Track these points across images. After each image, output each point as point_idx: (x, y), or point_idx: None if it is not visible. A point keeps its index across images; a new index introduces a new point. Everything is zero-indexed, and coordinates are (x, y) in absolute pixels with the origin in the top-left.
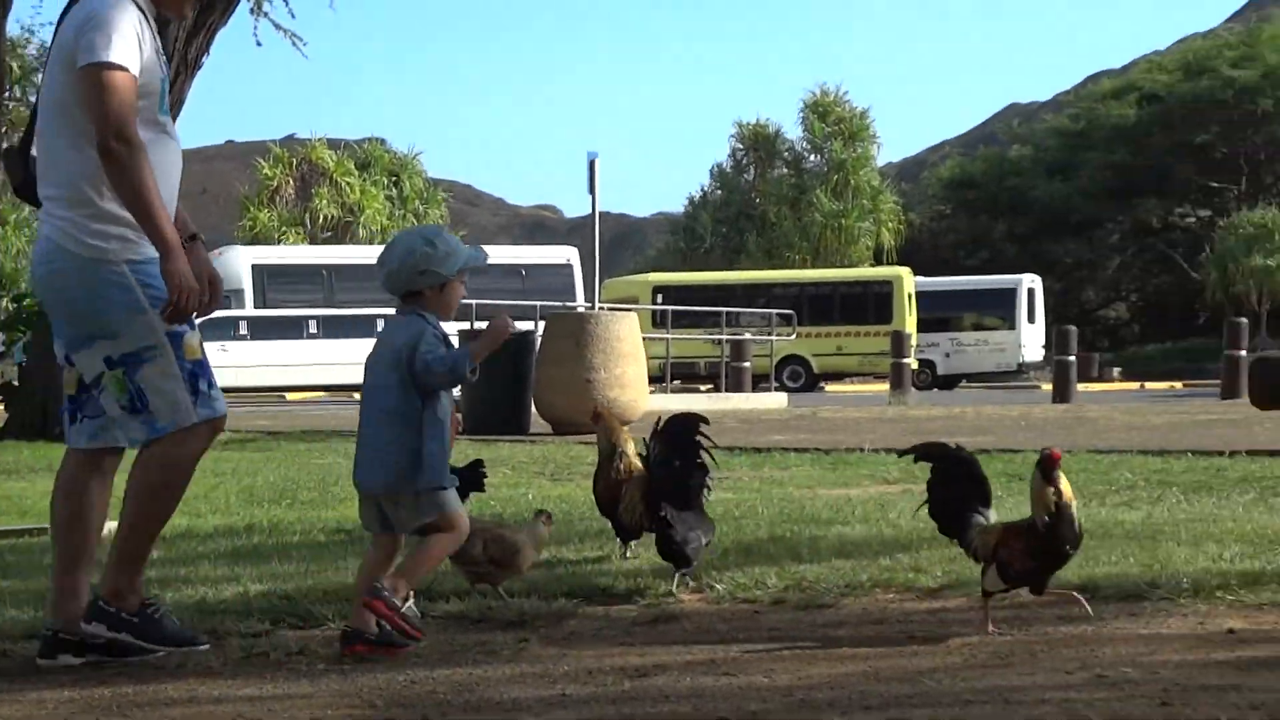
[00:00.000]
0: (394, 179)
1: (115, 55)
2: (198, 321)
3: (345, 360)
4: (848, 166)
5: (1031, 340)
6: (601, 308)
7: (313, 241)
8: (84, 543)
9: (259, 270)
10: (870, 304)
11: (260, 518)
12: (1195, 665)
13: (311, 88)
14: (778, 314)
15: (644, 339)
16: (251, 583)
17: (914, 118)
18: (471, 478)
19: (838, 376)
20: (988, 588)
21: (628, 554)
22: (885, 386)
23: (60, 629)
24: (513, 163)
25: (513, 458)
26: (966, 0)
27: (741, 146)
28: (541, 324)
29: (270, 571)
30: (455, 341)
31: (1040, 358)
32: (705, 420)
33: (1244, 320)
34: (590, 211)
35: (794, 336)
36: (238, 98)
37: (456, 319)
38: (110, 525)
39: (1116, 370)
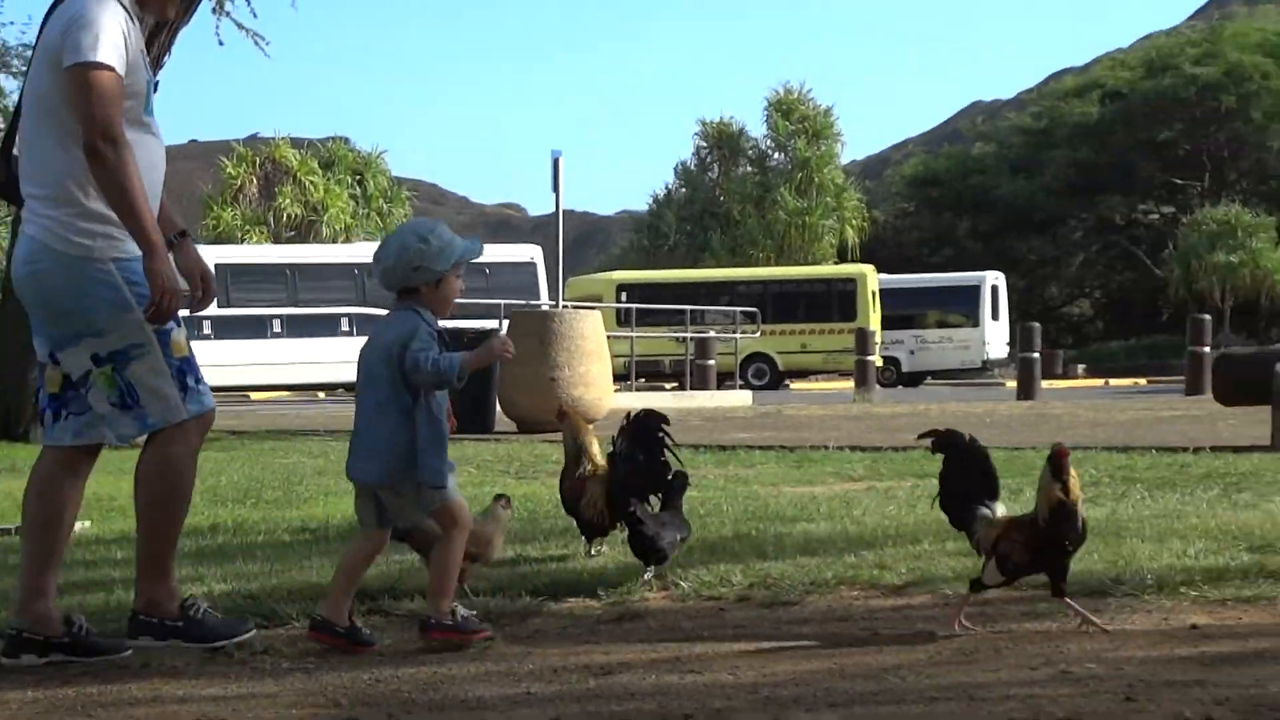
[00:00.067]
0: (358, 178)
1: (101, 55)
2: (194, 317)
3: (309, 359)
4: (812, 164)
5: (996, 337)
6: (566, 306)
7: (276, 241)
8: (56, 543)
9: (222, 269)
10: (835, 301)
11: (225, 517)
12: (1159, 661)
13: (275, 87)
14: (742, 312)
15: (608, 337)
16: (216, 582)
17: (878, 115)
18: None
19: (802, 374)
20: (986, 580)
21: (593, 552)
22: (850, 384)
23: (25, 629)
24: (477, 161)
25: (477, 456)
26: None
27: (706, 145)
28: (505, 322)
29: (235, 571)
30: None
31: (1004, 355)
32: (665, 419)
33: (1207, 317)
34: (554, 210)
35: (759, 334)
36: (201, 97)
37: None
38: (81, 525)
39: (1081, 367)
